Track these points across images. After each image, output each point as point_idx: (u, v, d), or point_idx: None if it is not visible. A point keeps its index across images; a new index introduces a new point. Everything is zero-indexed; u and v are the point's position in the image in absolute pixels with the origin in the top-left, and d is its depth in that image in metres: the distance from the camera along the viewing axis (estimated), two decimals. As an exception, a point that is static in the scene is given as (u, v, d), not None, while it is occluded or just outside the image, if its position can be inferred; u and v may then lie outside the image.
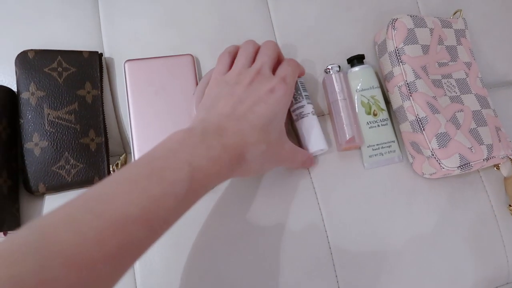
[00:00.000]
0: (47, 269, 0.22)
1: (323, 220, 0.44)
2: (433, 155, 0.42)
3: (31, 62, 0.41)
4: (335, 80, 0.46)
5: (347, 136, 0.45)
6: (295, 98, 0.45)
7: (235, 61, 0.41)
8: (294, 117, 0.45)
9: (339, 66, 0.47)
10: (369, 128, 0.47)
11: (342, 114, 0.45)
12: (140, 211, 0.27)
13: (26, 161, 0.40)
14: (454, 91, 0.46)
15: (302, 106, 0.44)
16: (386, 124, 0.47)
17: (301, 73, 0.45)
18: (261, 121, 0.35)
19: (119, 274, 0.27)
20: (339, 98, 0.46)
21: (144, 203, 0.27)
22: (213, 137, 0.33)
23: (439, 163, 0.42)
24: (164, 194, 0.28)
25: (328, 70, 0.47)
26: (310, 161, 0.45)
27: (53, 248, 0.23)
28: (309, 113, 0.44)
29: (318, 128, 0.44)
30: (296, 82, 0.45)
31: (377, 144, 0.47)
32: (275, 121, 0.37)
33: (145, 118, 0.44)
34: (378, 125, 0.47)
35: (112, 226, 0.25)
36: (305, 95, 0.45)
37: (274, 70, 0.41)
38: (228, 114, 0.35)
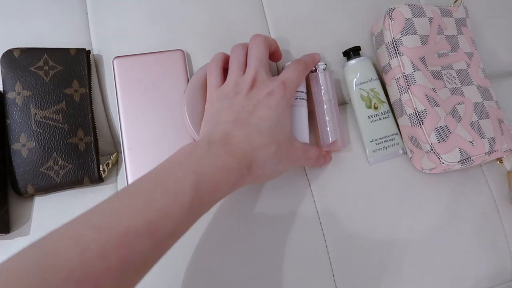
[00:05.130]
0: (49, 285, 0.22)
1: (319, 218, 0.43)
2: (433, 149, 0.41)
3: (16, 61, 0.41)
4: (321, 79, 0.44)
5: (330, 139, 0.43)
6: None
7: (229, 72, 0.40)
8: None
9: (325, 65, 0.45)
10: (371, 122, 0.45)
11: (326, 116, 0.44)
12: (143, 223, 0.26)
13: (13, 163, 0.39)
14: (455, 83, 0.45)
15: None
16: (388, 116, 0.46)
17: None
18: (266, 123, 0.35)
19: (127, 287, 0.26)
20: (324, 99, 0.44)
21: (148, 215, 0.27)
22: (219, 146, 0.33)
23: (439, 158, 0.41)
24: (169, 205, 0.28)
25: (314, 68, 0.45)
26: (323, 158, 0.43)
27: (55, 263, 0.23)
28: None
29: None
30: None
31: (380, 138, 0.45)
32: (280, 123, 0.36)
33: (135, 116, 0.43)
34: (380, 118, 0.45)
35: (114, 240, 0.25)
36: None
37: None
38: (232, 122, 0.35)
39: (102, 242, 0.25)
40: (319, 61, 0.44)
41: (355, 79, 0.45)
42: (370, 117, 0.45)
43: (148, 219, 0.27)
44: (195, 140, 0.37)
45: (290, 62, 0.42)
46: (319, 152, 0.42)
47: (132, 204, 0.27)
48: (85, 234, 0.25)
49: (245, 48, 0.41)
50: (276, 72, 0.47)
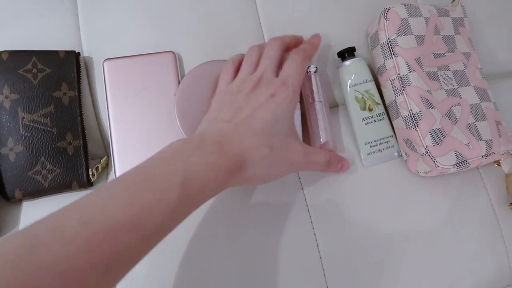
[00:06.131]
0: (35, 280, 0.22)
1: (312, 222, 0.42)
2: (428, 152, 0.40)
3: (5, 63, 0.40)
4: (312, 81, 0.44)
5: (321, 140, 0.43)
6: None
7: (240, 69, 0.41)
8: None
9: (316, 67, 0.44)
10: (365, 124, 0.44)
11: (317, 117, 0.43)
12: (130, 218, 0.26)
13: (1, 167, 0.39)
14: (451, 84, 0.44)
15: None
16: (383, 118, 0.45)
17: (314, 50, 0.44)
18: (261, 125, 0.35)
19: (111, 282, 0.26)
20: (315, 100, 0.44)
21: (135, 209, 0.27)
22: (210, 144, 0.32)
23: (434, 161, 0.40)
24: (156, 201, 0.28)
25: (306, 71, 0.45)
26: (337, 163, 0.42)
27: (39, 257, 0.23)
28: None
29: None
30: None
31: (375, 141, 0.45)
32: (277, 125, 0.36)
33: (125, 119, 0.42)
34: (375, 120, 0.45)
35: (100, 234, 0.25)
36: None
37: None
38: (227, 122, 0.35)
39: (87, 236, 0.24)
40: (320, 44, 0.44)
41: (349, 81, 0.45)
42: (365, 119, 0.44)
43: (134, 213, 0.26)
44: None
45: (289, 55, 0.41)
46: (330, 156, 0.41)
47: (119, 198, 0.27)
48: (70, 226, 0.25)
49: (261, 48, 0.41)
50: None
